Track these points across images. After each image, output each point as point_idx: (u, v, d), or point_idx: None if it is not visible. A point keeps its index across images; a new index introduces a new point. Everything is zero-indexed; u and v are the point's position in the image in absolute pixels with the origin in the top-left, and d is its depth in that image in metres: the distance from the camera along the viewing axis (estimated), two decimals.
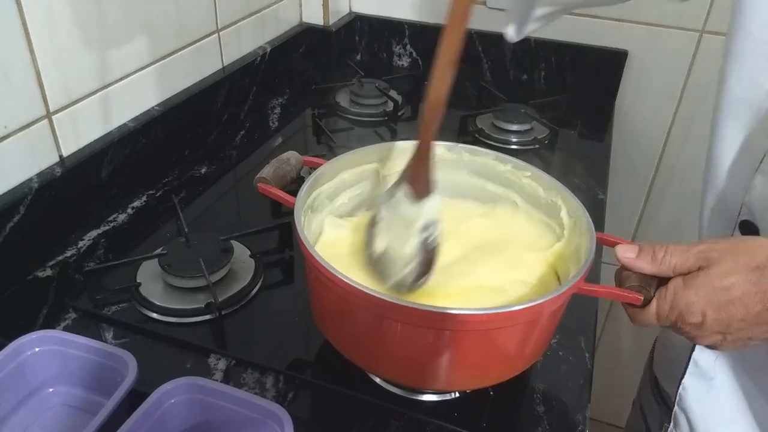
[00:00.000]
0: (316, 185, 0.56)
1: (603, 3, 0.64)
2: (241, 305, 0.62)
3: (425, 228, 0.50)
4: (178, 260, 0.63)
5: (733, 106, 0.53)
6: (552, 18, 0.51)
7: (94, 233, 0.71)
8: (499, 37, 1.13)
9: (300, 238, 0.47)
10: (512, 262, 0.55)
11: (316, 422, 0.53)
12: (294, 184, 0.57)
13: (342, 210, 0.61)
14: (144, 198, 0.78)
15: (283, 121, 1.01)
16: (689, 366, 0.60)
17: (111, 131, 0.75)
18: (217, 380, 0.54)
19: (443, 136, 0.66)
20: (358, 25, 1.22)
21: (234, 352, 0.57)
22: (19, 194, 0.62)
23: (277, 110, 1.04)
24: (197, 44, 0.88)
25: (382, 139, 0.97)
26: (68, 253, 0.68)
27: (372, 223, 0.52)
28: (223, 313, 0.60)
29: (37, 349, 0.53)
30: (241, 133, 0.96)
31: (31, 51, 0.62)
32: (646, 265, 0.45)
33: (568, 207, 0.55)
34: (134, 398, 0.48)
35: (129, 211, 0.76)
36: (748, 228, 0.53)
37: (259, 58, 1.02)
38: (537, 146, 0.96)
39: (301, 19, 1.18)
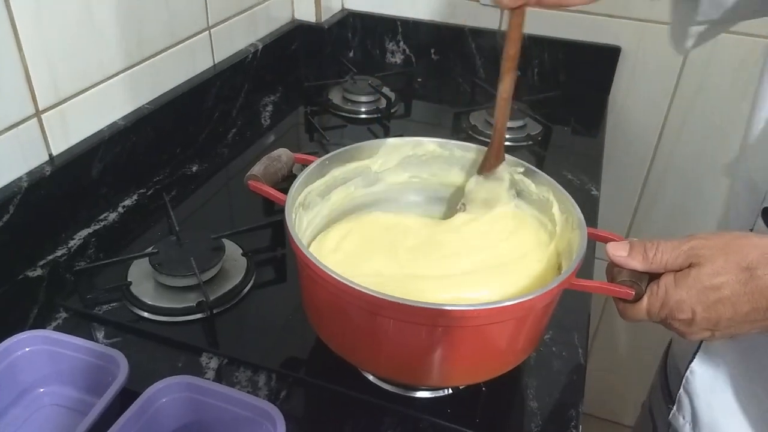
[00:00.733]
0: (308, 182, 0.56)
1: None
2: (233, 304, 0.62)
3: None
4: (169, 259, 0.63)
5: None
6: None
7: (84, 232, 0.71)
8: (492, 34, 1.13)
9: (291, 236, 0.47)
10: (509, 260, 0.55)
11: (309, 420, 0.53)
12: (285, 182, 0.56)
13: (333, 208, 0.61)
14: (135, 197, 0.78)
15: (275, 119, 1.01)
16: (699, 350, 0.60)
17: (101, 129, 0.74)
18: (209, 379, 0.54)
19: (436, 132, 0.66)
20: (351, 21, 1.22)
21: (226, 351, 0.57)
22: (9, 193, 0.62)
23: (270, 108, 1.04)
24: (188, 42, 0.88)
25: (375, 136, 0.97)
26: (59, 253, 0.67)
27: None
28: (214, 311, 0.60)
29: (27, 349, 0.52)
30: (233, 131, 0.96)
31: (20, 49, 0.62)
32: (637, 264, 0.45)
33: (560, 203, 0.55)
34: (126, 398, 0.48)
35: (120, 209, 0.75)
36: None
37: (250, 56, 1.01)
38: (531, 143, 0.96)
39: (293, 16, 1.17)
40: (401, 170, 0.63)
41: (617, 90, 1.12)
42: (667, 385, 0.73)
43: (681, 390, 0.64)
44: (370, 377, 0.55)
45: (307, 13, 1.16)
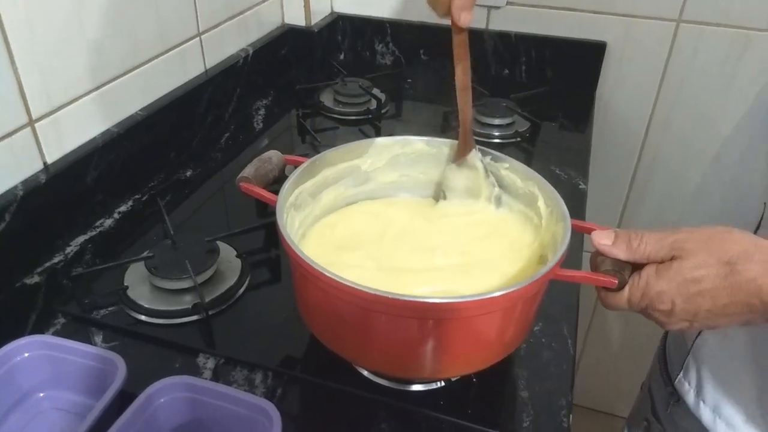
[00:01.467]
0: (298, 183, 0.57)
1: None
2: (229, 305, 0.63)
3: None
4: (165, 262, 0.63)
5: None
6: None
7: (81, 239, 0.72)
8: (480, 33, 1.14)
9: (282, 235, 0.48)
10: (494, 254, 0.56)
11: (306, 417, 0.54)
12: (277, 183, 0.57)
13: (326, 207, 0.62)
14: (130, 203, 0.79)
15: (267, 123, 1.02)
16: None
17: (95, 137, 0.75)
18: (206, 379, 0.55)
19: (426, 131, 0.67)
20: (340, 24, 1.23)
21: (222, 351, 0.58)
22: (4, 202, 0.62)
23: (262, 112, 1.05)
24: (179, 48, 0.89)
25: (367, 137, 0.98)
26: (56, 260, 0.68)
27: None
28: (210, 313, 0.61)
29: (26, 355, 0.53)
30: (226, 135, 0.97)
31: (11, 59, 0.62)
32: (621, 253, 0.46)
33: (545, 196, 0.56)
34: (125, 400, 0.48)
35: (115, 215, 0.76)
36: None
37: (241, 61, 1.02)
38: (519, 139, 0.97)
39: (282, 20, 1.18)
40: (391, 169, 0.64)
41: (604, 85, 1.13)
42: (666, 366, 0.74)
43: (689, 356, 0.65)
44: (365, 373, 0.56)
45: (296, 17, 1.17)
